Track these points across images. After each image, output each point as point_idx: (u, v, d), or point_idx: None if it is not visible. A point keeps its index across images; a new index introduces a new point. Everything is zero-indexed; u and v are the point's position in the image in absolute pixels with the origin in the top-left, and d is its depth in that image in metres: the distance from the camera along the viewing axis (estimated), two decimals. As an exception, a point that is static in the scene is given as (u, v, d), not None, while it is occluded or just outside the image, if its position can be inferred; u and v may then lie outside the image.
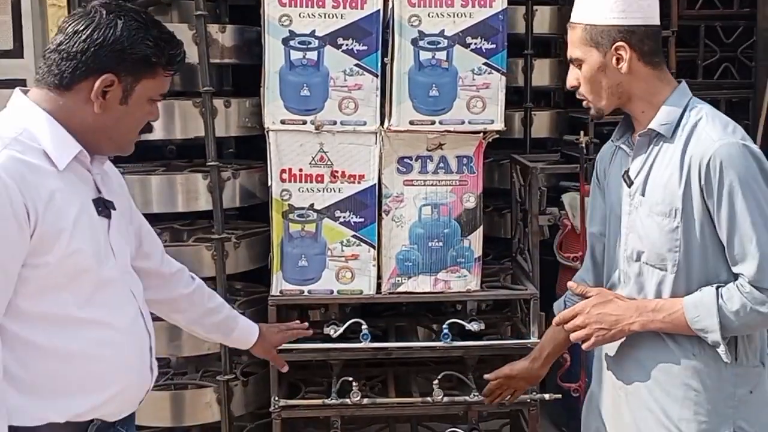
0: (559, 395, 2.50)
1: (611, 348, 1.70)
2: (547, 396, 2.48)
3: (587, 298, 1.69)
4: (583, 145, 2.68)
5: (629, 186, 1.65)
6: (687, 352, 1.58)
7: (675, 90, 1.63)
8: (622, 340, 1.66)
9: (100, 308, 1.40)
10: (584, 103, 1.68)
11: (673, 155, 1.58)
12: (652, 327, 1.59)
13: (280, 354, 2.36)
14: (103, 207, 1.44)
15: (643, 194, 1.62)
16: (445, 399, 2.44)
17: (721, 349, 1.53)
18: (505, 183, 3.14)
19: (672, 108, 1.60)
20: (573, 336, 1.67)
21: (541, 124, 3.39)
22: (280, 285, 2.42)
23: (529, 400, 2.50)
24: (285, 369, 2.15)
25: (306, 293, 2.42)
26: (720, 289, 1.53)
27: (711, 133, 1.54)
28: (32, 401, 1.35)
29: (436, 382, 2.44)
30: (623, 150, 1.71)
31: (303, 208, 2.38)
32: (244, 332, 1.93)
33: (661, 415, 1.60)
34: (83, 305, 1.37)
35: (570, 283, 1.73)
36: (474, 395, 2.46)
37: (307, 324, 2.16)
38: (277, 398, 2.42)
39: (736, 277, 1.54)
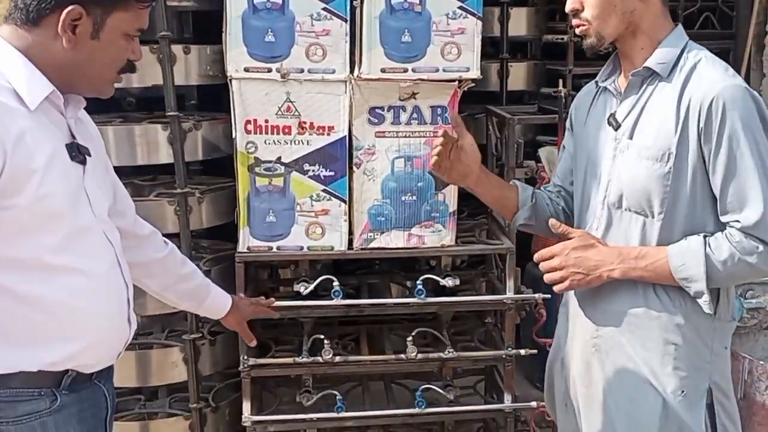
0: (535, 350, 2.46)
1: (584, 299, 1.65)
2: (522, 351, 2.45)
3: (568, 239, 1.61)
4: (562, 96, 2.58)
5: (616, 129, 1.58)
6: (668, 304, 1.53)
7: (673, 30, 1.56)
8: (595, 292, 1.60)
9: (75, 255, 1.35)
10: (580, 30, 1.58)
11: (668, 96, 1.51)
12: (633, 275, 1.54)
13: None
14: (77, 152, 1.38)
15: (631, 137, 1.56)
16: (419, 356, 2.39)
17: (704, 299, 1.48)
18: (480, 138, 3.07)
19: (670, 48, 1.54)
20: (547, 277, 1.61)
21: (518, 76, 3.32)
22: (247, 241, 2.33)
23: (504, 356, 2.46)
24: (253, 343, 2.12)
25: (275, 250, 2.33)
26: (707, 238, 1.48)
27: (713, 74, 1.47)
28: (2, 348, 1.31)
29: (409, 339, 2.39)
30: (609, 92, 1.63)
31: (270, 162, 2.28)
32: (217, 301, 1.89)
33: (640, 370, 1.56)
34: (56, 252, 1.33)
35: (552, 221, 1.65)
36: (449, 352, 2.42)
37: (273, 300, 2.16)
38: (246, 357, 2.35)
39: (723, 227, 1.48)
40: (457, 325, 2.88)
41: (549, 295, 2.47)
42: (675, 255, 1.49)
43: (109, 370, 1.50)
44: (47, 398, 1.35)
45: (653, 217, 1.53)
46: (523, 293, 2.47)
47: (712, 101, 1.44)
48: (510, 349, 2.45)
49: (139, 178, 2.61)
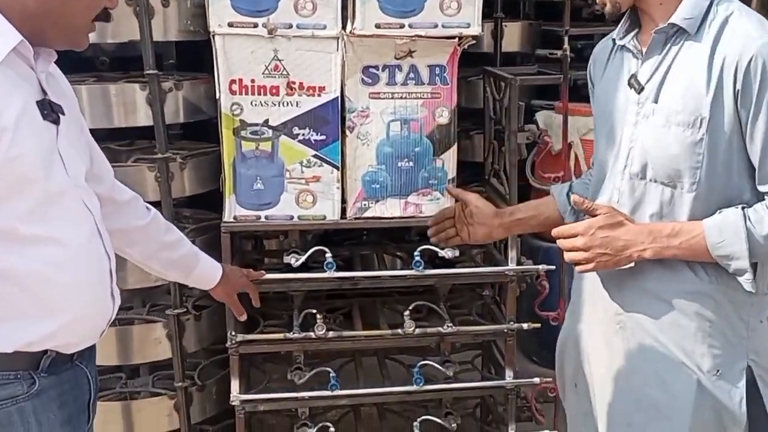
0: (539, 324, 2.40)
1: (607, 274, 1.56)
2: (525, 325, 2.38)
3: (594, 215, 1.49)
4: (567, 55, 2.48)
5: (638, 92, 1.48)
6: (701, 279, 1.45)
7: None
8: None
9: (49, 224, 1.26)
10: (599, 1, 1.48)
11: (698, 55, 1.41)
12: (666, 254, 1.44)
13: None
14: (50, 110, 1.28)
15: (656, 101, 1.45)
16: (417, 331, 2.31)
17: (746, 278, 1.40)
18: (474, 102, 2.98)
19: (697, 1, 1.42)
20: (569, 257, 1.50)
21: (512, 37, 3.22)
22: (233, 210, 2.23)
23: (505, 330, 2.39)
24: (243, 317, 2.06)
25: (263, 219, 2.24)
26: (745, 210, 1.39)
27: (748, 28, 1.37)
28: None
29: (407, 313, 2.31)
30: (629, 51, 1.53)
31: (257, 125, 2.18)
32: (207, 271, 1.82)
33: (671, 350, 1.48)
34: (29, 220, 1.24)
35: (575, 197, 1.55)
36: (448, 326, 2.34)
37: (263, 273, 2.11)
38: (233, 333, 2.27)
39: (760, 197, 1.40)
40: (451, 299, 2.81)
41: (553, 267, 2.41)
42: (712, 231, 1.39)
43: (92, 349, 1.42)
44: (24, 381, 1.27)
45: (683, 188, 1.43)
46: (523, 264, 2.40)
47: (750, 61, 1.34)
48: (512, 323, 2.39)
49: (114, 143, 2.49)
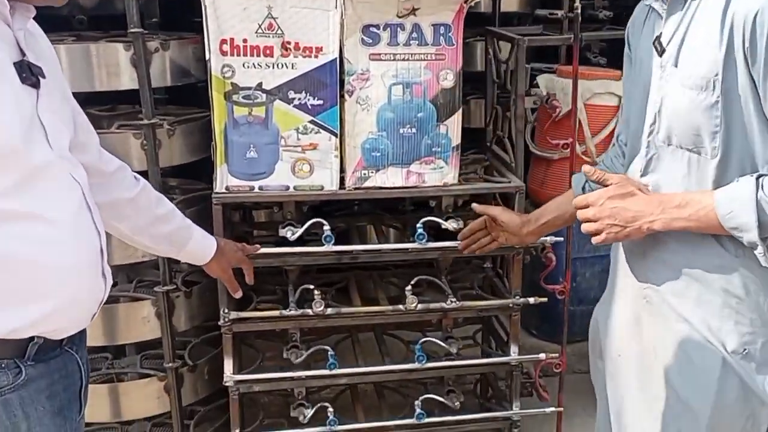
0: (545, 298, 2.33)
1: (632, 246, 1.50)
2: (531, 300, 2.31)
3: (606, 185, 1.46)
4: (576, 13, 2.38)
5: (660, 54, 1.41)
6: (728, 251, 1.38)
7: None
8: (644, 238, 1.45)
9: (30, 198, 1.17)
10: None
11: (712, 13, 1.34)
12: (676, 226, 1.38)
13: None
14: (29, 73, 1.18)
15: (675, 64, 1.39)
16: (420, 306, 2.23)
17: (759, 251, 1.33)
18: (470, 65, 2.88)
19: None
20: (583, 228, 1.47)
21: (512, -4, 3.12)
22: (225, 180, 2.12)
23: (511, 305, 2.32)
24: (238, 294, 1.98)
25: (257, 190, 2.13)
26: (761, 178, 1.32)
27: None
28: None
29: (409, 288, 2.23)
30: (656, 11, 1.44)
31: (249, 88, 2.06)
32: (200, 245, 1.73)
33: (696, 326, 1.42)
34: (8, 195, 1.14)
35: (585, 167, 1.50)
36: (451, 301, 2.26)
37: (259, 246, 2.04)
38: (226, 310, 2.17)
39: None
40: (451, 272, 2.73)
41: (561, 239, 2.33)
42: (722, 201, 1.33)
43: (82, 333, 1.33)
44: (9, 371, 1.18)
45: (706, 154, 1.37)
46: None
47: (756, 15, 1.27)
48: (517, 297, 2.32)
49: (95, 108, 2.36)
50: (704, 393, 1.43)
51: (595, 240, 1.46)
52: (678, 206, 1.37)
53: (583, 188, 1.73)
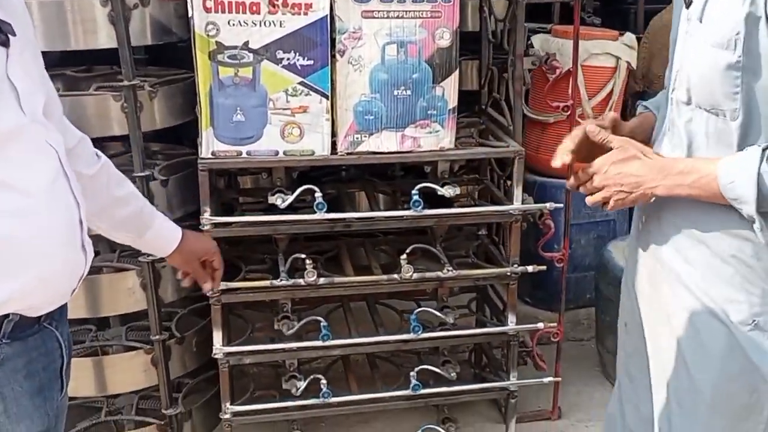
0: (544, 266, 2.28)
1: (649, 208, 1.46)
2: (530, 268, 2.26)
3: (608, 149, 1.40)
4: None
5: (687, 6, 1.34)
6: (741, 219, 1.32)
7: None
8: (660, 200, 1.40)
9: (3, 167, 1.09)
10: None
11: None
12: (679, 192, 1.34)
13: (215, 230, 2.05)
14: None
15: (700, 20, 1.32)
16: (415, 275, 2.18)
17: (756, 226, 1.28)
18: (463, 25, 2.77)
19: None
20: (589, 200, 1.42)
21: (503, -49, 2.99)
22: (211, 145, 2.04)
23: (509, 273, 2.27)
24: (207, 287, 1.74)
25: (245, 155, 2.06)
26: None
27: None
28: None
29: (404, 257, 2.17)
30: None
31: (235, 47, 1.98)
32: (160, 235, 1.55)
33: (706, 293, 1.37)
34: None
35: (589, 127, 1.44)
36: (448, 270, 2.21)
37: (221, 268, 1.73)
38: (215, 280, 2.10)
39: None
40: (445, 239, 2.67)
41: (561, 205, 2.28)
42: (725, 170, 1.28)
43: (62, 309, 1.26)
44: None
45: (726, 116, 1.31)
46: (526, 203, 2.27)
47: None
48: (515, 266, 2.26)
49: (72, 69, 2.25)
50: (708, 365, 1.39)
51: (605, 208, 1.42)
52: (680, 173, 1.32)
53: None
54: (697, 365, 1.41)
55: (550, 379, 2.47)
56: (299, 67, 2.02)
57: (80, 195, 1.24)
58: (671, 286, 1.43)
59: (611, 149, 1.40)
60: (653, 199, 1.39)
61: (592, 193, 1.42)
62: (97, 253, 2.37)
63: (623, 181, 1.36)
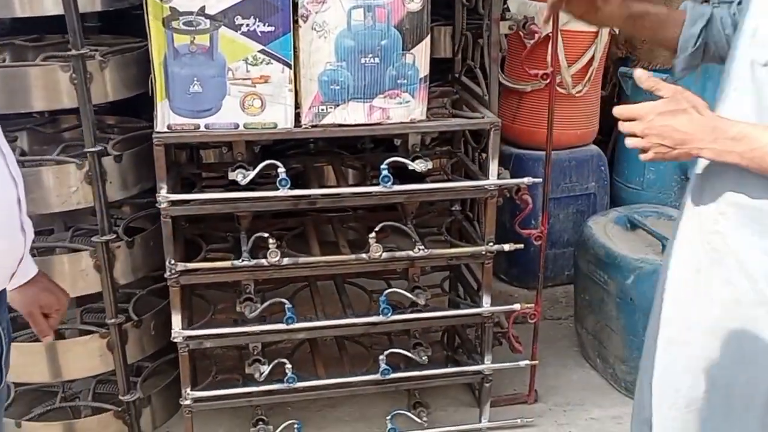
0: (521, 245, 2.23)
1: (703, 183, 1.38)
2: (506, 246, 2.21)
3: (658, 97, 1.30)
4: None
5: None
6: None
7: None
8: (721, 167, 1.32)
9: None
10: None
11: None
12: (728, 159, 1.26)
13: (172, 208, 1.97)
14: None
15: None
16: (385, 255, 2.12)
17: None
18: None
19: None
20: (628, 142, 1.32)
21: None
22: (167, 118, 1.96)
23: (484, 252, 2.22)
24: (47, 339, 1.57)
25: (203, 128, 1.98)
26: None
27: None
28: None
29: (372, 235, 2.11)
30: None
31: (191, 13, 1.90)
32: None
33: (757, 281, 1.31)
34: None
35: (637, 72, 1.31)
36: (419, 249, 2.15)
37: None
38: (173, 261, 2.04)
39: None
40: (417, 215, 2.61)
41: (540, 180, 2.22)
42: None
43: (1, 294, 1.17)
44: None
45: None
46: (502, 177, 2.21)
47: None
48: (491, 244, 2.21)
49: (19, 38, 2.15)
50: (763, 356, 1.33)
51: (642, 157, 1.33)
52: (733, 138, 1.24)
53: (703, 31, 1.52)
54: (754, 356, 1.34)
55: (527, 362, 2.43)
56: (259, 34, 1.94)
57: (18, 173, 1.17)
58: (722, 270, 1.36)
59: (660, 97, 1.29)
60: (693, 158, 1.30)
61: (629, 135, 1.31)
62: (51, 232, 2.31)
63: (668, 134, 1.27)
